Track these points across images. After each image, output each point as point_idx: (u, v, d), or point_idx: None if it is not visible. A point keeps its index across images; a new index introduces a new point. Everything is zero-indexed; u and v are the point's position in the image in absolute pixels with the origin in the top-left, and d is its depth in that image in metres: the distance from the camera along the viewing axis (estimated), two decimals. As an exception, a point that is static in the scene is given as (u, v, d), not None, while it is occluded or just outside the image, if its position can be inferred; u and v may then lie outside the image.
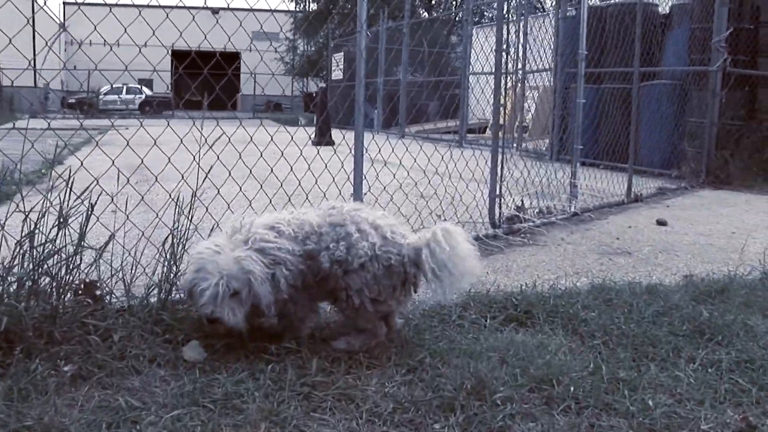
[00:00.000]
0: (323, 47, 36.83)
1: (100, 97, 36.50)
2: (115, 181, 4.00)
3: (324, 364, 3.14)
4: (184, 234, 3.70)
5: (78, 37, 29.53)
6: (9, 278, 3.14)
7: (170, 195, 3.76)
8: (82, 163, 3.74)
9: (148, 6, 4.07)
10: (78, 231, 3.37)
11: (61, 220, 3.23)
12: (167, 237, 3.69)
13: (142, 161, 3.92)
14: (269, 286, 3.09)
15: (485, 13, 38.73)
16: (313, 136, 14.49)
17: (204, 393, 2.82)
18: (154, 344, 3.22)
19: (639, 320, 3.81)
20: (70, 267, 3.29)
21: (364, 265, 3.20)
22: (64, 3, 45.03)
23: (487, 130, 19.76)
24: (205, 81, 4.67)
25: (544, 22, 16.25)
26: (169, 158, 3.94)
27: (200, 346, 3.23)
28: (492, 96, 6.12)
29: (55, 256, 3.25)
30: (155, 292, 3.59)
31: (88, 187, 3.49)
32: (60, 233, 3.27)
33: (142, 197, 4.12)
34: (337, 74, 26.19)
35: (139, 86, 39.04)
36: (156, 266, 3.70)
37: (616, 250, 5.93)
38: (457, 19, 27.55)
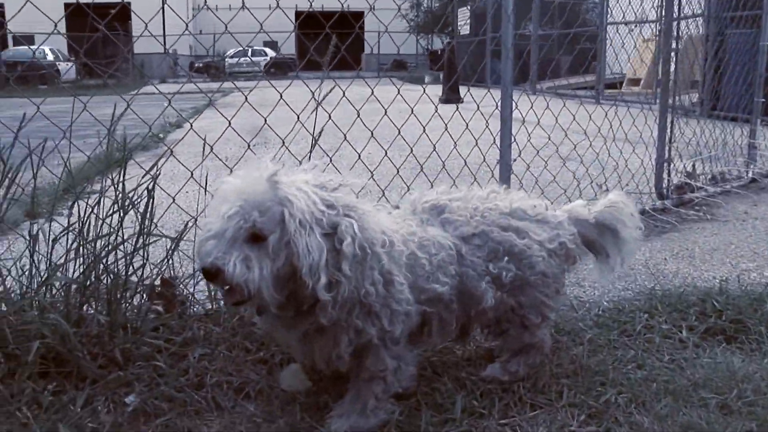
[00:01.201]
0: (448, 2, 35.54)
1: (226, 60, 36.85)
2: (230, 145, 3.20)
3: (471, 402, 2.26)
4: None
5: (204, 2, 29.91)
6: (56, 282, 2.40)
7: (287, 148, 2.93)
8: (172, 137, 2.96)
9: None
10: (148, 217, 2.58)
11: (123, 204, 2.43)
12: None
13: (265, 121, 3.10)
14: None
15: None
16: (440, 94, 13.68)
17: (305, 450, 2.00)
18: (243, 366, 2.43)
19: None
20: (132, 262, 2.51)
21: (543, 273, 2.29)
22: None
23: (624, 85, 18.30)
24: (328, 42, 3.87)
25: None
26: (297, 116, 3.06)
27: (302, 371, 2.41)
28: (633, 48, 5.01)
29: (118, 250, 2.47)
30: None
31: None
32: (123, 219, 2.49)
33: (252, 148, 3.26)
34: (464, 30, 24.96)
35: (263, 49, 39.09)
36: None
37: (820, 228, 4.75)
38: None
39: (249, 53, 39.31)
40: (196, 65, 35.54)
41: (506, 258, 2.18)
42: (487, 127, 3.94)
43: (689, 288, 3.28)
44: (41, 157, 2.41)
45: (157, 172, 2.52)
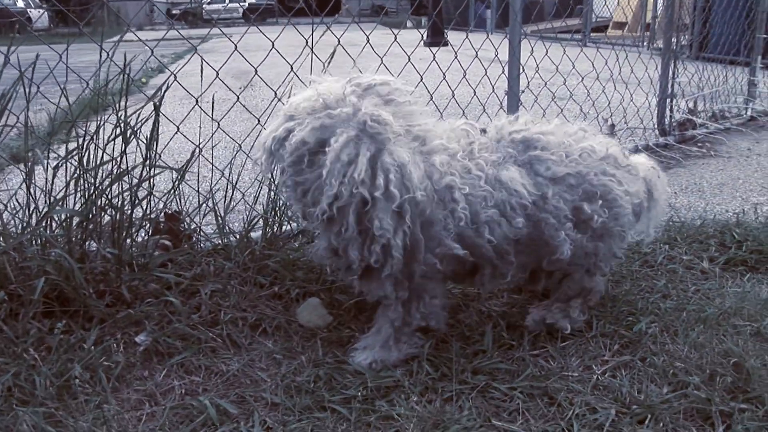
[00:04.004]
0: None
1: (204, 6, 36.10)
2: (216, 89, 3.05)
3: (499, 334, 2.17)
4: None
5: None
6: (56, 216, 2.26)
7: (276, 95, 2.77)
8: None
9: None
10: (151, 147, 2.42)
11: (125, 130, 2.27)
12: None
13: (256, 71, 2.94)
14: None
15: None
16: (425, 36, 13.40)
17: (331, 385, 1.90)
18: (257, 302, 2.32)
19: None
20: (137, 195, 2.36)
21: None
22: None
23: (610, 28, 18.10)
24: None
25: None
26: (289, 63, 2.90)
27: (322, 305, 2.30)
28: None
29: (119, 183, 2.32)
30: (259, 225, 2.67)
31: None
32: (127, 147, 2.34)
33: (237, 97, 3.06)
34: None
35: (241, -6, 38.34)
36: (259, 190, 2.76)
37: (824, 163, 4.67)
38: None
39: (227, -1, 38.59)
40: (174, 12, 34.87)
41: (600, 202, 2.01)
42: (486, 69, 3.79)
43: (706, 220, 3.20)
44: (34, 82, 2.24)
45: (161, 96, 2.36)
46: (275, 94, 2.69)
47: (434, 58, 3.51)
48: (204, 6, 36.54)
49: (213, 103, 2.70)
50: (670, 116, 5.14)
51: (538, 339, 2.16)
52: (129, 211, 2.34)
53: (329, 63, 2.64)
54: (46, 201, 2.28)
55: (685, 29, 13.12)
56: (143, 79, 8.06)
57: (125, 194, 2.32)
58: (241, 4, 38.41)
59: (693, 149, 4.94)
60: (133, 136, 2.35)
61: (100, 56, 2.34)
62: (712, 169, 4.46)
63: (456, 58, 3.59)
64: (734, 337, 2.12)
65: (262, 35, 2.94)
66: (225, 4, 38.40)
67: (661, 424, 1.75)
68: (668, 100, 5.07)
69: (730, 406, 1.80)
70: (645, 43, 13.97)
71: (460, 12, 19.48)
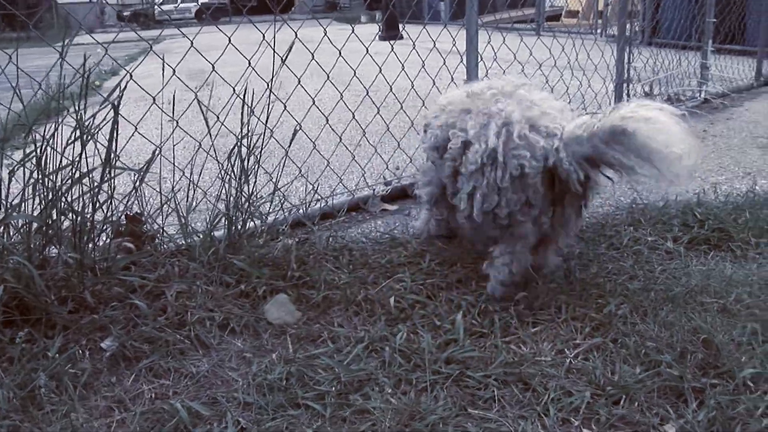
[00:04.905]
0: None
1: (156, 7, 35.62)
2: (171, 90, 3.00)
3: (470, 322, 2.16)
4: (257, 142, 2.69)
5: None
6: (14, 222, 2.20)
7: (235, 91, 2.72)
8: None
9: None
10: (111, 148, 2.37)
11: (82, 132, 2.22)
12: (235, 145, 2.66)
13: (213, 68, 2.89)
14: None
15: None
16: (380, 31, 13.36)
17: (304, 382, 1.87)
18: (224, 301, 2.28)
19: None
20: (98, 198, 2.31)
21: None
22: None
23: (563, 16, 18.26)
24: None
25: None
26: (249, 61, 2.85)
27: (290, 301, 2.28)
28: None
29: (79, 185, 2.27)
30: (222, 224, 2.63)
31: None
32: (85, 148, 2.28)
33: (196, 95, 2.99)
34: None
35: (194, -6, 37.88)
36: (221, 188, 2.71)
37: (778, 142, 4.74)
38: None
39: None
40: (124, 14, 34.34)
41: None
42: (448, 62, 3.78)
43: (669, 201, 3.23)
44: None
45: (120, 96, 2.31)
46: (234, 90, 2.65)
47: (392, 50, 3.49)
48: (156, 7, 36.07)
49: (174, 102, 2.64)
50: (628, 100, 5.17)
51: (509, 326, 2.15)
52: (90, 215, 2.28)
53: (286, 58, 2.60)
54: (1, 207, 2.21)
55: (638, 16, 13.28)
56: (96, 82, 7.92)
57: (85, 197, 2.26)
58: (195, 4, 37.98)
59: (651, 132, 4.98)
60: (91, 139, 2.30)
61: (62, 57, 2.27)
62: (670, 151, 4.50)
63: (414, 49, 3.57)
64: (702, 314, 2.14)
65: (214, 35, 2.90)
66: (177, 5, 37.94)
67: (636, 404, 1.76)
68: (625, 85, 5.11)
69: (702, 382, 1.82)
70: (599, 31, 14.12)
71: (414, 4, 19.52)
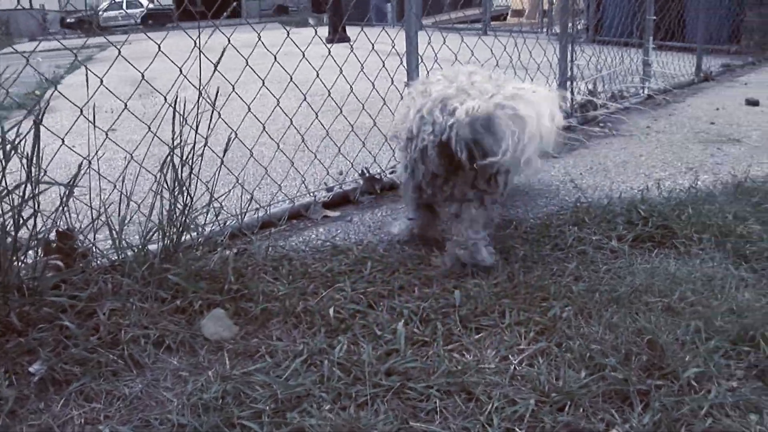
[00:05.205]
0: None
1: (100, 14, 35.02)
2: (114, 99, 2.89)
3: (412, 331, 2.11)
4: (192, 151, 2.60)
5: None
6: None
7: (166, 100, 2.63)
8: (54, 88, 2.62)
9: None
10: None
11: (4, 146, 2.11)
12: (167, 156, 2.57)
13: (143, 76, 2.79)
14: None
15: None
16: (327, 33, 13.31)
17: (240, 400, 1.80)
18: (159, 318, 2.20)
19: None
20: (21, 215, 2.20)
21: None
22: None
23: (509, 16, 18.43)
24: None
25: None
26: (180, 69, 2.78)
27: (227, 316, 2.21)
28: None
29: (3, 201, 2.16)
30: (156, 237, 2.54)
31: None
32: (6, 165, 2.18)
33: (126, 105, 2.89)
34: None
35: (139, 0, 37.33)
36: (154, 200, 2.62)
37: (719, 137, 4.78)
38: None
39: (123, 5, 37.50)
40: (68, 21, 33.67)
41: None
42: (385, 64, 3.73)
43: (612, 199, 3.22)
44: None
45: (39, 110, 2.21)
46: (165, 99, 2.57)
47: (329, 53, 3.44)
48: (101, 13, 35.49)
49: (113, 112, 2.55)
50: (572, 98, 5.20)
51: (452, 333, 2.11)
52: (13, 232, 2.18)
53: (218, 63, 2.53)
54: None
55: (580, 14, 13.43)
56: (36, 92, 7.70)
57: (7, 215, 2.16)
58: (140, 9, 37.46)
59: (595, 129, 5.01)
60: (13, 152, 2.20)
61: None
62: (615, 148, 4.52)
63: (352, 51, 3.52)
64: (647, 314, 2.13)
65: (165, 42, 2.81)
66: (122, 12, 37.36)
67: (581, 410, 1.72)
68: (569, 83, 5.13)
69: (647, 384, 1.79)
70: (544, 29, 14.23)
71: (358, 6, 19.45)
